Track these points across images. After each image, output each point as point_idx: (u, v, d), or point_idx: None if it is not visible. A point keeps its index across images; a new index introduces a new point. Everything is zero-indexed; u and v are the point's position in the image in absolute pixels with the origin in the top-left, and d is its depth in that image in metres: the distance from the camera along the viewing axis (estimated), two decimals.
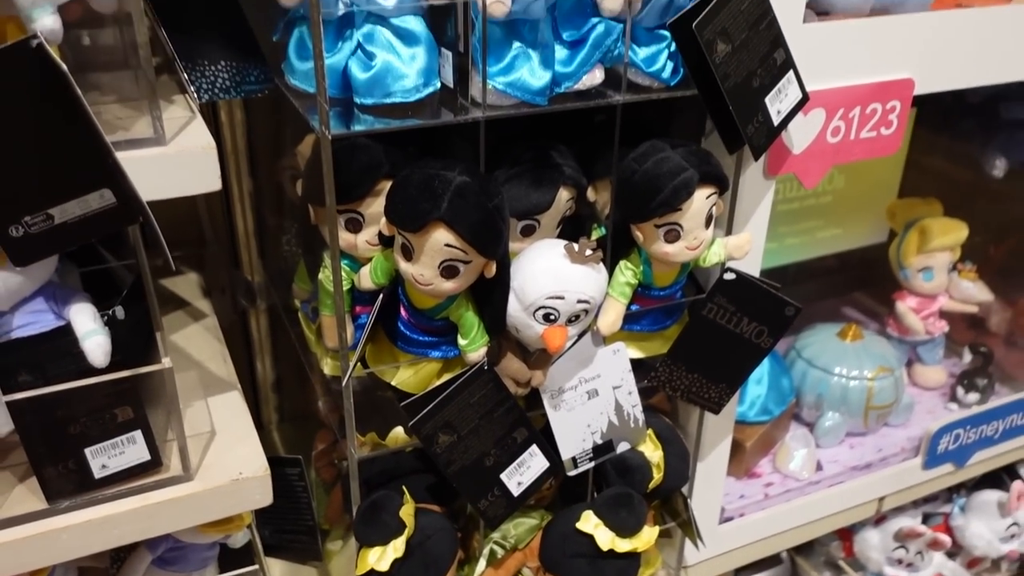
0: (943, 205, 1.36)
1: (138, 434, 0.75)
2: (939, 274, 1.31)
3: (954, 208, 1.35)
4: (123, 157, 0.64)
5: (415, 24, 0.73)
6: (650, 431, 0.94)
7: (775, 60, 0.80)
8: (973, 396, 1.31)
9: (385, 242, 0.78)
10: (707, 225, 0.82)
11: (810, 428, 1.26)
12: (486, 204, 0.70)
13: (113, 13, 0.74)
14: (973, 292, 1.35)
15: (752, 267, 0.94)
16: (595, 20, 0.75)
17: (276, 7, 0.77)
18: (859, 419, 1.24)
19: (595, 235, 0.91)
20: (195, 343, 0.98)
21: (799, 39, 0.83)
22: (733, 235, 0.90)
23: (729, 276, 0.86)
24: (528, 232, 0.83)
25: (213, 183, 0.69)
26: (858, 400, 1.22)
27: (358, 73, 0.74)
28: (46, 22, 0.58)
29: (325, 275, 0.81)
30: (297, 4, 0.76)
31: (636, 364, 0.91)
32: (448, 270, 0.72)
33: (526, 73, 0.74)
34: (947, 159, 1.46)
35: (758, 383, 1.17)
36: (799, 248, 1.34)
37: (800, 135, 0.90)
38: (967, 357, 1.37)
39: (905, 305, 1.33)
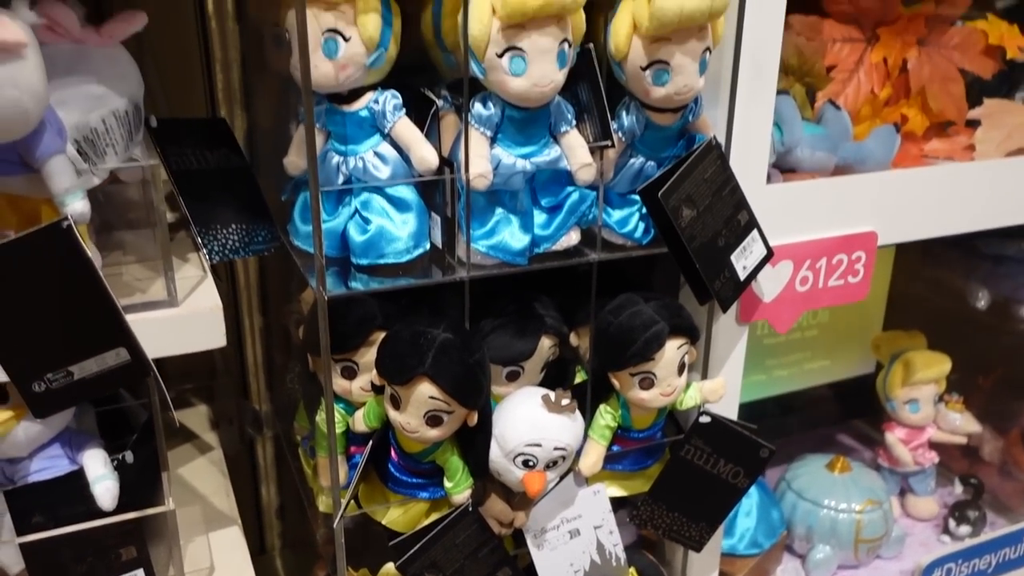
0: (928, 336, 1.40)
1: (140, 573, 0.79)
2: (925, 406, 1.34)
3: (939, 338, 1.39)
4: (139, 319, 0.71)
5: (407, 193, 0.81)
6: (632, 569, 0.97)
7: (739, 221, 0.87)
8: (965, 528, 1.32)
9: (378, 389, 0.84)
10: (680, 373, 0.87)
11: (802, 560, 1.27)
12: (467, 359, 0.76)
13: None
14: (960, 423, 1.38)
15: (729, 409, 0.99)
16: (570, 189, 0.83)
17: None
18: (849, 552, 1.25)
19: (579, 378, 0.96)
20: (200, 477, 1.03)
21: (764, 198, 0.90)
22: (708, 379, 0.95)
23: (704, 419, 0.91)
24: (513, 377, 0.88)
25: (219, 340, 0.75)
26: (847, 533, 1.24)
27: (355, 236, 0.81)
28: (76, 206, 0.65)
29: (321, 418, 0.86)
30: (303, 172, 0.85)
31: (620, 502, 0.95)
32: (432, 419, 0.77)
33: (507, 236, 0.81)
34: (930, 291, 1.52)
35: (747, 515, 1.20)
36: (788, 380, 1.38)
37: (770, 284, 0.96)
38: (958, 488, 1.39)
39: (894, 436, 1.36)
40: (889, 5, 1.09)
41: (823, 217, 0.97)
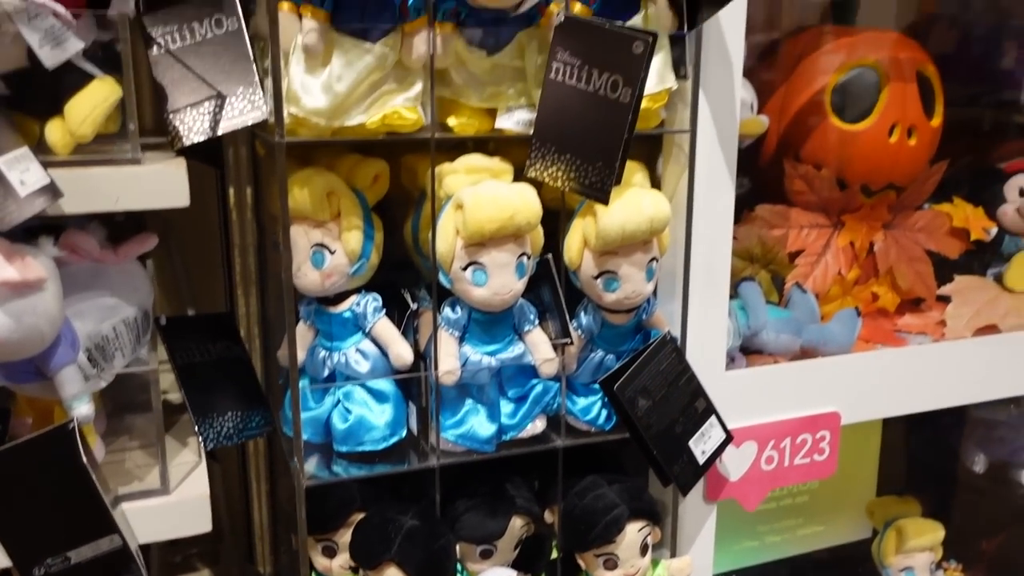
0: (926, 499, 1.41)
1: None
2: (921, 573, 1.34)
3: (937, 502, 1.40)
4: (133, 507, 0.79)
5: (386, 385, 0.89)
6: None
7: (696, 408, 0.93)
8: None
9: (355, 568, 0.89)
10: (643, 554, 0.91)
11: None
12: (432, 546, 0.82)
13: None
14: None
15: None
16: (535, 381, 0.90)
17: None
18: None
19: (555, 553, 1.00)
20: None
21: (724, 384, 0.97)
22: (676, 558, 0.99)
23: None
24: (487, 555, 0.93)
25: (204, 527, 0.82)
26: None
27: (338, 423, 0.89)
28: (82, 410, 0.74)
29: None
30: (300, 362, 0.93)
31: None
32: None
33: (476, 425, 0.88)
34: (926, 454, 1.53)
35: None
36: (781, 546, 1.39)
37: (735, 464, 1.01)
38: None
39: None
40: (851, 195, 1.18)
41: (786, 399, 1.02)
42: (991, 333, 1.18)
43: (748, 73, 1.10)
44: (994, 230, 1.26)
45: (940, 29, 1.47)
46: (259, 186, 1.20)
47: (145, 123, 0.86)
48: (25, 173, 0.67)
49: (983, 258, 1.29)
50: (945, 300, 1.23)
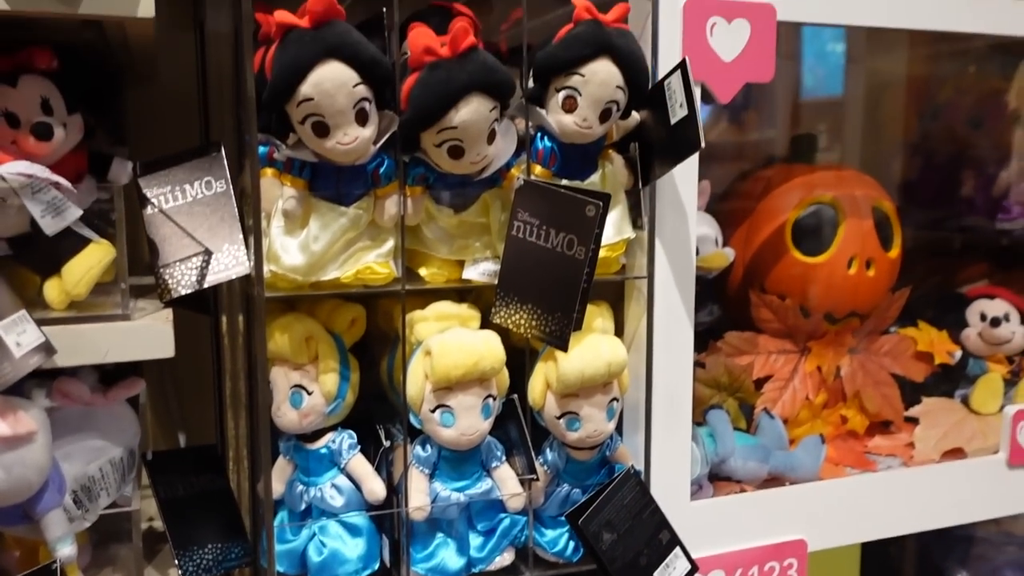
0: None
1: None
2: None
3: None
4: None
5: (359, 519, 0.93)
6: None
7: (660, 540, 0.96)
8: None
9: None
10: None
11: None
12: None
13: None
14: None
15: None
16: (503, 515, 0.94)
17: None
18: None
19: None
20: None
21: (689, 515, 1.00)
22: None
23: None
24: None
25: None
26: None
27: (313, 556, 0.92)
28: (64, 552, 0.78)
29: None
30: (280, 495, 0.97)
31: None
32: None
33: (446, 558, 0.92)
34: (907, 572, 1.54)
35: None
36: None
37: None
38: None
39: None
40: (815, 323, 1.23)
41: (752, 527, 1.05)
42: (959, 455, 1.21)
43: (713, 208, 1.18)
44: (958, 354, 1.31)
45: (903, 158, 1.55)
46: (250, 314, 1.26)
47: (144, 258, 0.93)
48: (22, 335, 0.73)
49: (949, 381, 1.32)
50: (914, 421, 1.26)
